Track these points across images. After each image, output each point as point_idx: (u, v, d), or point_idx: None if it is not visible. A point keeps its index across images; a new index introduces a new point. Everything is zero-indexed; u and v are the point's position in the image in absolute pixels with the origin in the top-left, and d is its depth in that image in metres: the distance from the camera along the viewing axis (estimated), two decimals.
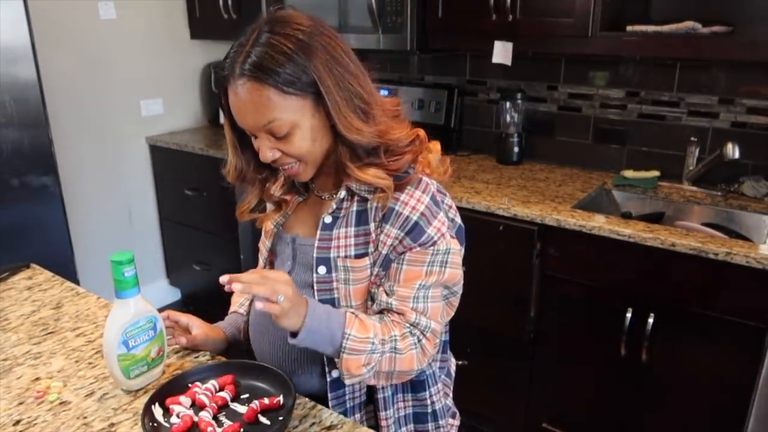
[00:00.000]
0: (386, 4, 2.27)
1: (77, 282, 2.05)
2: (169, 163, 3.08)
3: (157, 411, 0.97)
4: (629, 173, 2.25)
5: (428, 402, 1.14)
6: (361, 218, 1.03)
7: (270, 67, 0.92)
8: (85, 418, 0.99)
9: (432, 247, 1.00)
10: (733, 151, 1.96)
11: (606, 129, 2.38)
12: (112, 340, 1.02)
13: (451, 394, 1.25)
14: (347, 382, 1.01)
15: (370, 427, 1.09)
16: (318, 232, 1.05)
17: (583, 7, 1.95)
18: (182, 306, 3.38)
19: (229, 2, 2.80)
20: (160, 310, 1.10)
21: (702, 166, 2.12)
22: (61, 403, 1.03)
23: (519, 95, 2.43)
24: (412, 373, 1.06)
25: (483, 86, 2.64)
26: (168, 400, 0.99)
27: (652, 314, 1.77)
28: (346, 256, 1.03)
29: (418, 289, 1.01)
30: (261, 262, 1.19)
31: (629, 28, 1.95)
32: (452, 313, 1.13)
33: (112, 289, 1.02)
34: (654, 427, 1.88)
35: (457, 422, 1.25)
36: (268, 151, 0.98)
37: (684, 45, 1.89)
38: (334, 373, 1.05)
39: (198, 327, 1.17)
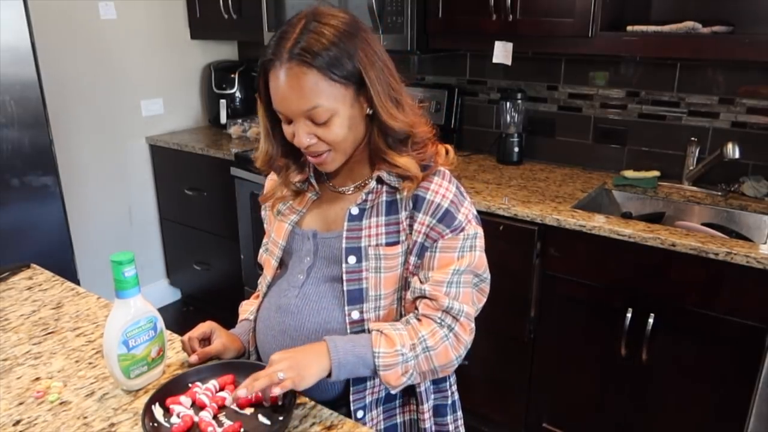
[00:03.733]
0: (386, 4, 2.27)
1: (77, 282, 2.05)
2: (169, 163, 3.08)
3: (158, 411, 0.97)
4: (629, 173, 2.25)
5: (449, 393, 1.18)
6: (392, 208, 1.06)
7: (320, 53, 0.95)
8: (85, 418, 0.99)
9: (462, 233, 1.05)
10: (733, 150, 1.96)
11: (606, 129, 2.38)
12: (112, 340, 1.02)
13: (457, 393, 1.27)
14: (393, 391, 1.04)
15: (386, 427, 1.13)
16: (345, 224, 1.07)
17: (583, 7, 1.95)
18: (182, 306, 3.38)
19: (229, 2, 2.80)
20: (160, 310, 1.10)
21: (702, 166, 2.12)
22: (61, 403, 1.03)
23: (519, 95, 2.43)
24: (454, 364, 1.08)
25: (483, 86, 2.64)
26: (168, 400, 0.99)
27: (652, 314, 1.77)
28: (377, 245, 1.06)
29: (453, 275, 1.04)
30: (273, 262, 1.17)
31: (629, 28, 1.95)
32: (484, 300, 1.16)
33: (112, 289, 1.02)
34: (654, 426, 1.88)
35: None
36: (305, 137, 1.00)
37: (684, 45, 1.89)
38: None
39: (218, 336, 1.16)
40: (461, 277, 1.05)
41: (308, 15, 0.99)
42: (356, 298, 1.07)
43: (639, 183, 2.21)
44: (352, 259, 1.06)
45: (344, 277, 1.06)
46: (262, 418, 0.97)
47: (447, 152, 1.10)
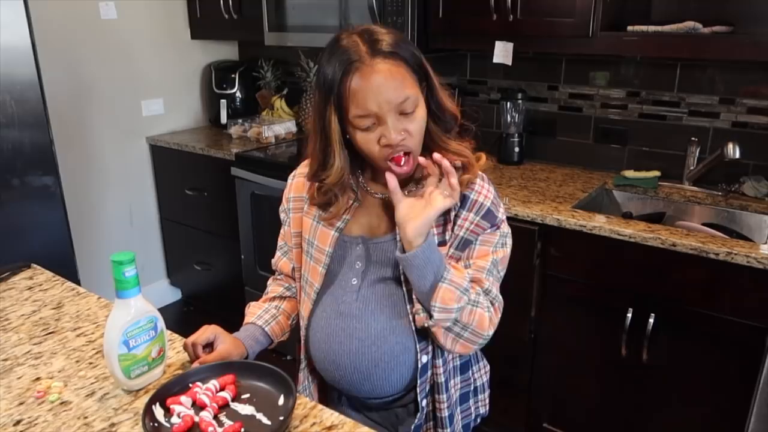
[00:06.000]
0: (387, 4, 2.27)
1: (78, 282, 2.05)
2: (169, 163, 3.08)
3: (158, 411, 0.97)
4: (630, 173, 2.25)
5: (471, 380, 1.26)
6: None
7: (406, 48, 1.04)
8: (85, 418, 0.99)
9: (498, 230, 1.14)
10: (733, 151, 1.96)
11: (607, 129, 2.38)
12: (112, 340, 1.02)
13: (488, 373, 1.32)
14: (436, 315, 1.05)
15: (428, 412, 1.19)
16: (398, 229, 1.10)
17: (583, 6, 1.94)
18: (183, 306, 3.38)
19: (230, 2, 2.81)
20: (161, 310, 1.11)
21: (703, 166, 2.12)
22: (61, 403, 1.03)
23: (520, 95, 2.43)
24: (480, 340, 1.11)
25: (484, 86, 2.64)
26: (169, 400, 0.99)
27: (652, 314, 1.77)
28: None
29: (491, 264, 1.13)
30: (320, 270, 1.18)
31: (630, 28, 1.95)
32: None
33: (112, 289, 1.02)
34: (654, 426, 1.88)
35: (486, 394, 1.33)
36: (396, 133, 1.03)
37: (684, 45, 1.89)
38: (424, 358, 1.14)
39: (222, 342, 1.16)
40: (494, 268, 1.14)
41: (361, 32, 1.04)
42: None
43: (639, 183, 2.21)
44: None
45: (403, 278, 1.11)
46: (262, 418, 0.97)
47: (478, 159, 1.15)
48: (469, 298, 1.07)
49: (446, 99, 1.10)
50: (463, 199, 1.11)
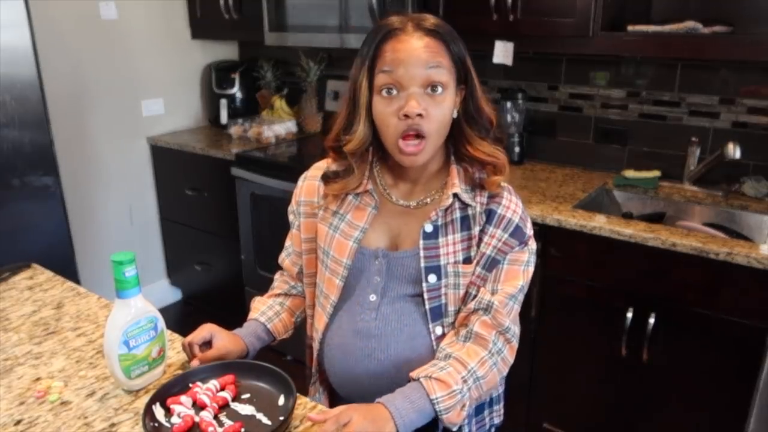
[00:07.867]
0: (387, 4, 2.27)
1: (78, 282, 2.05)
2: (169, 163, 3.08)
3: (158, 411, 0.98)
4: (630, 173, 2.25)
5: None
6: (464, 224, 1.08)
7: (445, 29, 1.04)
8: (86, 418, 1.00)
9: (527, 247, 1.10)
10: (734, 151, 1.96)
11: (607, 129, 2.37)
12: (112, 340, 1.02)
13: (504, 384, 1.27)
14: (454, 428, 1.05)
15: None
16: (421, 242, 1.07)
17: (583, 6, 1.95)
18: (183, 306, 3.38)
19: (230, 2, 2.80)
20: (161, 310, 1.10)
21: (703, 166, 2.12)
22: (62, 403, 1.03)
23: (520, 95, 2.43)
24: (498, 385, 1.16)
25: (484, 86, 2.63)
26: (169, 400, 0.99)
27: (653, 314, 1.77)
28: (455, 262, 1.07)
29: (519, 290, 1.09)
30: (338, 282, 1.13)
31: (630, 28, 1.95)
32: None
33: (112, 289, 1.02)
34: (654, 426, 1.88)
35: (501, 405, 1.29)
36: (418, 104, 1.00)
37: (685, 45, 1.89)
38: None
39: (220, 340, 1.14)
40: (521, 293, 1.10)
41: (413, 16, 1.05)
42: (438, 314, 1.09)
43: (640, 183, 2.21)
44: (432, 278, 1.07)
45: (425, 296, 1.08)
46: (262, 418, 0.97)
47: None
48: (470, 388, 1.03)
49: (485, 103, 1.09)
50: (490, 213, 1.07)
